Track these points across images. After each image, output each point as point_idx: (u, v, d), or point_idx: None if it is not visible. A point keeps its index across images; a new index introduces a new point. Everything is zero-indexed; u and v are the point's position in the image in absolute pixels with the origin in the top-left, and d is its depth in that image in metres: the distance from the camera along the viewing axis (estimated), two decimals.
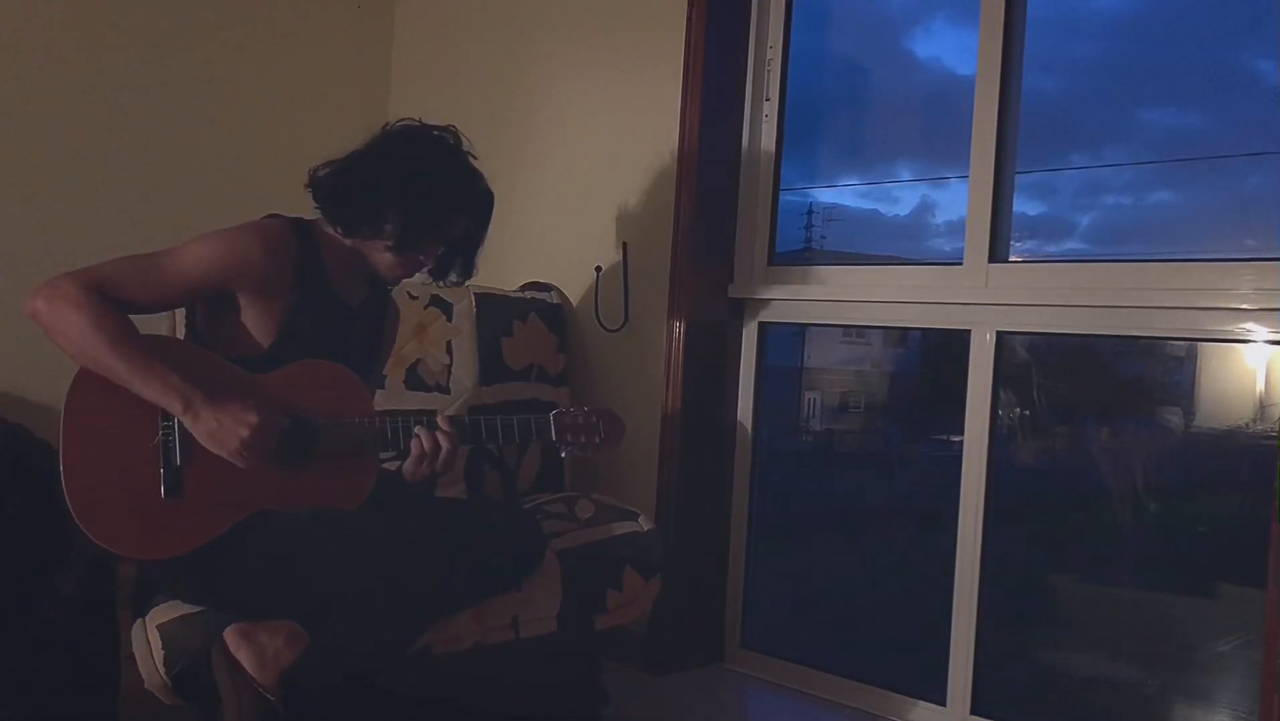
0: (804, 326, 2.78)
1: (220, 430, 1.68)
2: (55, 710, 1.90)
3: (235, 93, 3.07)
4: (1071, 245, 2.39)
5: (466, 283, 2.08)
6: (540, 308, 2.70)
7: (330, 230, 1.91)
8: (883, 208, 2.80)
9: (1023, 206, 2.33)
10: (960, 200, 2.33)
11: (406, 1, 3.38)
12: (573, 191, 2.86)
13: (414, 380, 2.46)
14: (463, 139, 1.95)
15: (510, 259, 2.92)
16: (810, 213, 2.82)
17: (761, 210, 2.68)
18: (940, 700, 2.34)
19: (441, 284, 2.05)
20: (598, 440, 1.92)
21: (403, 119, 1.95)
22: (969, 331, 2.31)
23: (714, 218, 2.65)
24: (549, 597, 2.04)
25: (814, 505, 2.96)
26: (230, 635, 1.69)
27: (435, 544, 1.75)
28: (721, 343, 2.68)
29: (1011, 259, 2.31)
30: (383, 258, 1.90)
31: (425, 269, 1.98)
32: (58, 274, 1.68)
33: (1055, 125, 2.38)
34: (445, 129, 1.95)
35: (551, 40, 2.95)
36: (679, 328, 2.59)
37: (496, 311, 2.61)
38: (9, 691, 1.87)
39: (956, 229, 2.35)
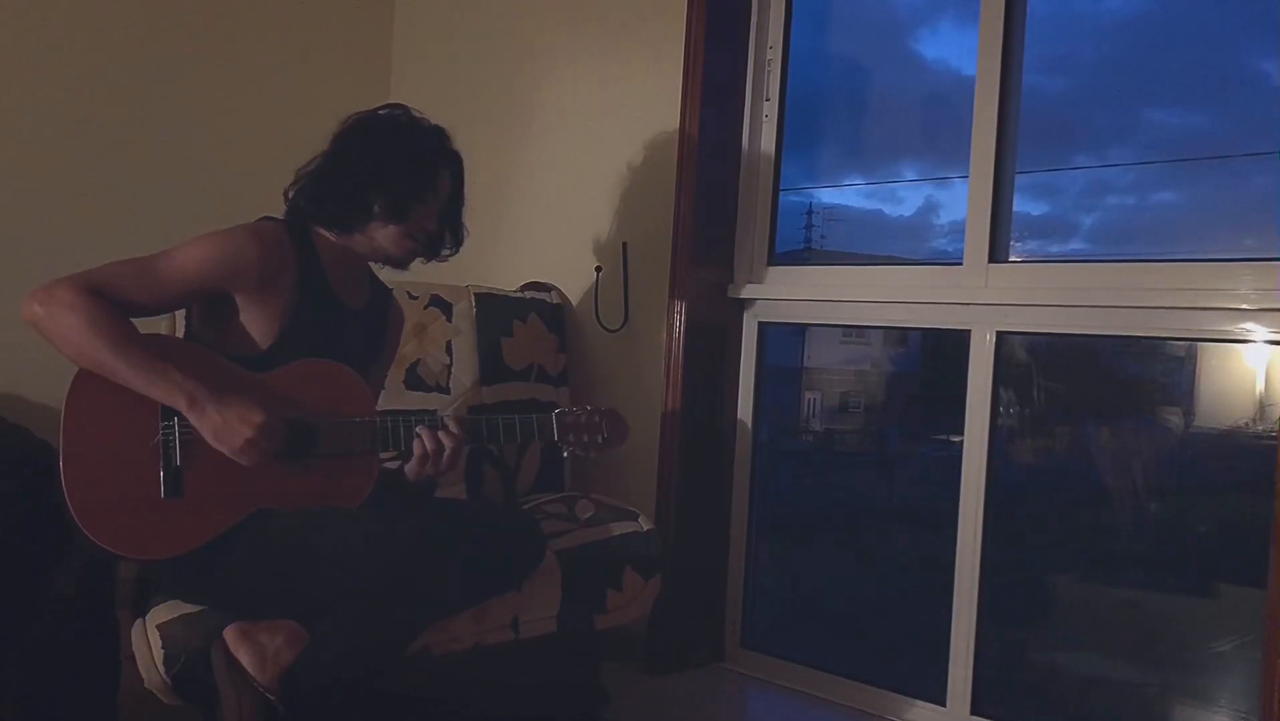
0: (804, 326, 2.78)
1: (226, 427, 1.68)
2: (55, 710, 1.90)
3: (234, 92, 3.07)
4: (1075, 245, 2.39)
5: (460, 254, 2.07)
6: (540, 308, 2.70)
7: (325, 233, 1.91)
8: (887, 208, 2.80)
9: (1026, 207, 2.33)
10: (964, 201, 2.33)
11: (406, 1, 3.38)
12: (573, 191, 2.86)
13: (414, 380, 2.46)
14: (413, 110, 1.97)
15: (510, 259, 2.92)
16: (810, 212, 2.82)
17: (761, 210, 2.68)
18: (940, 700, 2.34)
19: (438, 260, 2.04)
20: (600, 439, 1.92)
21: (349, 115, 1.97)
22: (969, 331, 2.31)
23: (714, 217, 2.65)
24: (549, 597, 2.04)
25: (814, 505, 2.96)
26: (230, 634, 1.69)
27: (435, 544, 1.74)
28: (721, 342, 2.68)
29: (1012, 259, 2.31)
30: (385, 235, 1.91)
31: (427, 236, 1.97)
32: (54, 279, 1.68)
33: (1059, 125, 2.38)
34: (393, 106, 1.97)
35: (551, 40, 2.95)
36: (679, 327, 2.59)
37: (496, 311, 2.61)
38: (9, 691, 1.87)
39: (960, 229, 2.35)
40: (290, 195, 1.93)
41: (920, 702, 2.38)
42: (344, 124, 1.95)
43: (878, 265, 2.74)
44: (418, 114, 1.97)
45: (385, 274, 2.06)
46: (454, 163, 1.99)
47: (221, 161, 3.01)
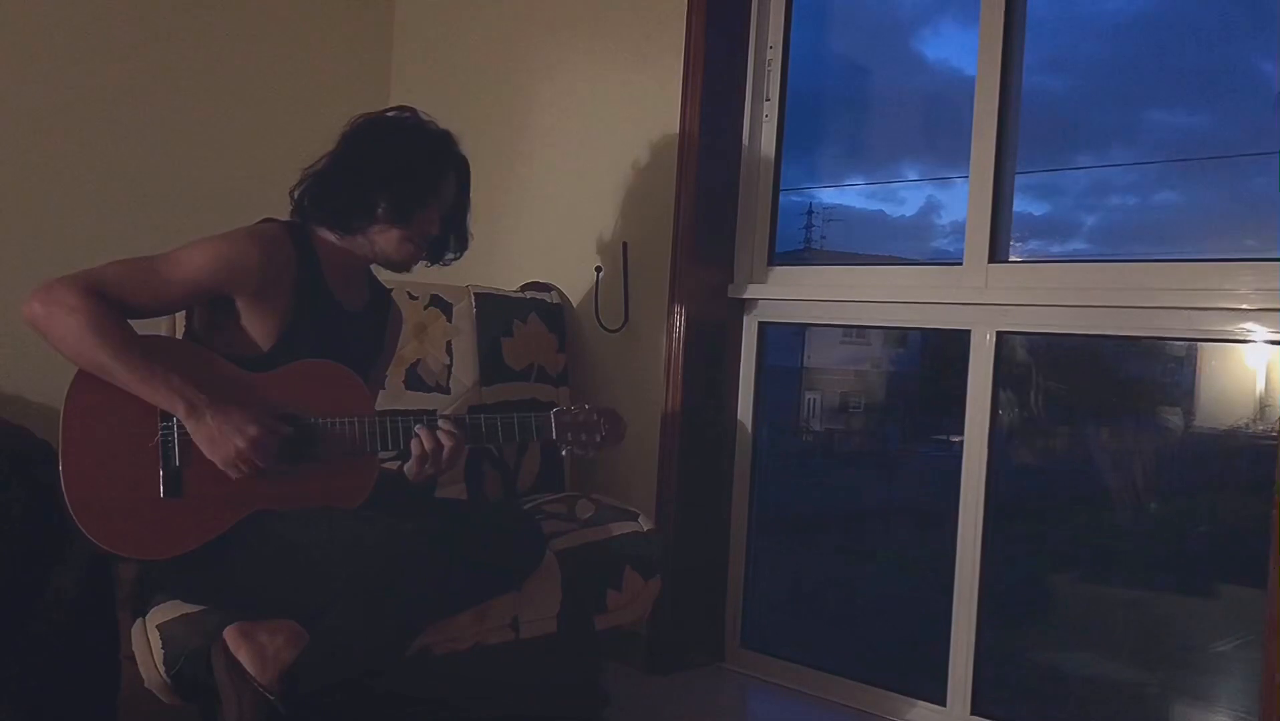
0: (804, 326, 2.78)
1: (220, 436, 1.68)
2: (55, 710, 1.90)
3: (234, 93, 3.07)
4: (1076, 245, 2.39)
5: (463, 257, 2.07)
6: (540, 308, 2.70)
7: (326, 235, 1.91)
8: (888, 208, 2.80)
9: (1028, 207, 2.33)
10: (965, 201, 2.33)
11: (406, 1, 3.38)
12: (573, 191, 2.86)
13: (414, 380, 2.46)
14: (421, 114, 1.96)
15: (510, 259, 2.92)
16: (810, 212, 2.82)
17: (761, 210, 2.68)
18: (940, 700, 2.34)
19: (441, 264, 2.05)
20: (598, 438, 1.92)
21: (356, 115, 1.97)
22: (969, 331, 2.31)
23: (714, 217, 2.65)
24: (549, 597, 2.03)
25: (814, 505, 2.96)
26: (230, 634, 1.69)
27: (435, 544, 1.74)
28: (721, 342, 2.68)
29: (1012, 259, 2.31)
30: (388, 239, 1.90)
31: (430, 240, 1.96)
32: (54, 277, 1.67)
33: (1061, 126, 2.38)
34: (402, 109, 1.97)
35: (551, 40, 2.95)
36: (679, 328, 2.59)
37: (496, 311, 2.61)
38: (9, 691, 1.87)
39: (962, 229, 2.35)
40: (295, 195, 1.93)
41: (920, 702, 2.38)
42: (350, 125, 1.95)
43: (878, 265, 2.74)
44: (425, 117, 1.97)
45: (386, 274, 2.06)
46: (460, 166, 1.98)
47: (221, 161, 3.01)
